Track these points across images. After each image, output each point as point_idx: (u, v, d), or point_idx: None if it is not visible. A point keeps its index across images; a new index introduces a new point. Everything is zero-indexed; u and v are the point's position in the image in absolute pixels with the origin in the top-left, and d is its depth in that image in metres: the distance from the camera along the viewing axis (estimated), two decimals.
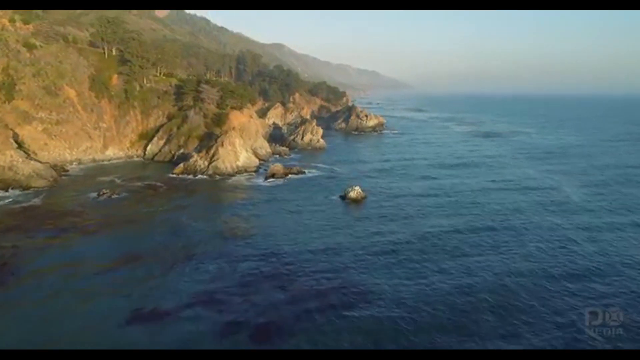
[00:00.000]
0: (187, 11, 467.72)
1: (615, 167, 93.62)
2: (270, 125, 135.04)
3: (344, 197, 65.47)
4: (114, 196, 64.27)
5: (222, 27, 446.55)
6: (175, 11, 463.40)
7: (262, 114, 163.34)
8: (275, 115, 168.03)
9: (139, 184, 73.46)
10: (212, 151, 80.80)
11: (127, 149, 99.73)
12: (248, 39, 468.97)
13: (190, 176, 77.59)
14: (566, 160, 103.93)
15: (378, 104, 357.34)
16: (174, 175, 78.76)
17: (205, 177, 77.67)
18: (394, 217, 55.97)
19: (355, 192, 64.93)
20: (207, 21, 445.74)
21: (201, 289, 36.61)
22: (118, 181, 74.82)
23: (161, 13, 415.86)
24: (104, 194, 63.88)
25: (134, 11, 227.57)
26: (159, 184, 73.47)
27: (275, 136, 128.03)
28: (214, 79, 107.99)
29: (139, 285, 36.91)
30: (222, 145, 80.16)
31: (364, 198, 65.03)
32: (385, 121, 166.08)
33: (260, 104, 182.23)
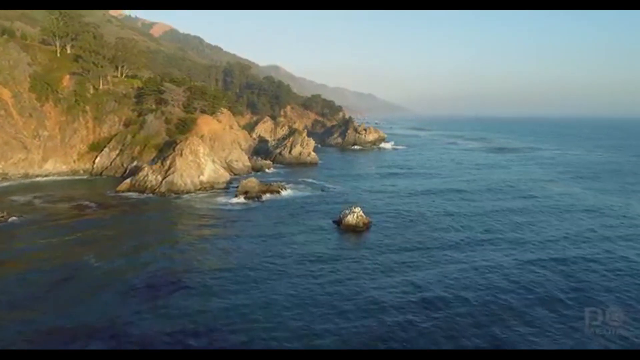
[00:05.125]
0: (182, 31, 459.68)
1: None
2: (255, 139, 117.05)
3: (339, 223, 46.76)
4: (12, 220, 45.46)
5: (215, 46, 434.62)
6: (169, 30, 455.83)
7: (250, 128, 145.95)
8: (264, 130, 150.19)
9: (65, 205, 54.66)
10: (168, 163, 62.29)
11: (74, 162, 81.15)
12: (243, 59, 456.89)
13: (135, 194, 58.86)
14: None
15: (377, 123, 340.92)
16: (117, 194, 60.09)
17: (157, 195, 59.02)
18: (415, 260, 36.59)
19: (354, 215, 46.20)
20: (201, 40, 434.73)
21: None
22: (38, 201, 56.08)
23: (156, 32, 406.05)
24: None
25: (115, 21, 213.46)
26: (90, 204, 54.71)
27: (260, 150, 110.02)
28: (181, 77, 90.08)
29: None
30: (181, 154, 61.72)
31: (366, 224, 46.24)
32: (386, 136, 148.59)
33: (248, 117, 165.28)
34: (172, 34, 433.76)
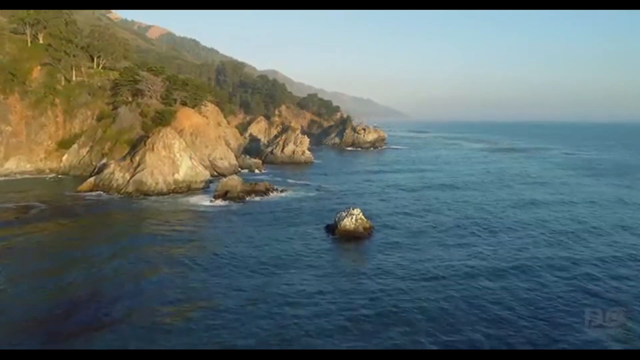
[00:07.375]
0: (178, 34, 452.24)
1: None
2: (246, 137, 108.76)
3: (333, 229, 38.32)
4: None
5: (211, 49, 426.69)
6: (165, 33, 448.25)
7: (243, 129, 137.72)
8: (257, 130, 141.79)
9: (9, 206, 46.23)
10: (137, 158, 53.91)
11: (40, 160, 72.81)
12: (239, 62, 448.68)
13: (95, 195, 50.48)
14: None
15: (375, 126, 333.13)
16: (76, 194, 51.74)
17: (122, 196, 50.64)
18: (439, 286, 27.18)
19: (353, 218, 37.72)
20: (197, 42, 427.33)
21: None
22: None
23: (152, 35, 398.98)
24: None
25: (104, 19, 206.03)
26: (39, 205, 46.34)
27: (251, 150, 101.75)
28: (159, 67, 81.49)
29: None
30: (153, 149, 53.35)
31: (367, 230, 37.84)
32: (386, 136, 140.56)
33: (241, 117, 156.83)
34: (169, 37, 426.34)
